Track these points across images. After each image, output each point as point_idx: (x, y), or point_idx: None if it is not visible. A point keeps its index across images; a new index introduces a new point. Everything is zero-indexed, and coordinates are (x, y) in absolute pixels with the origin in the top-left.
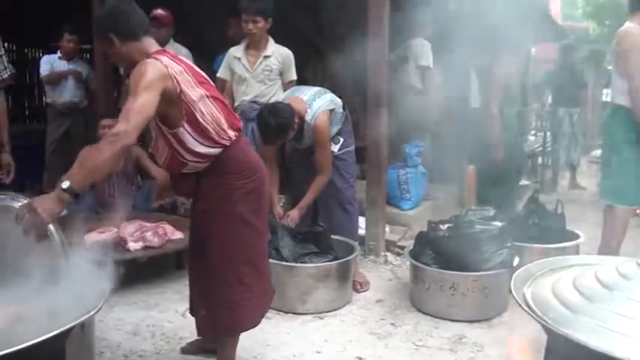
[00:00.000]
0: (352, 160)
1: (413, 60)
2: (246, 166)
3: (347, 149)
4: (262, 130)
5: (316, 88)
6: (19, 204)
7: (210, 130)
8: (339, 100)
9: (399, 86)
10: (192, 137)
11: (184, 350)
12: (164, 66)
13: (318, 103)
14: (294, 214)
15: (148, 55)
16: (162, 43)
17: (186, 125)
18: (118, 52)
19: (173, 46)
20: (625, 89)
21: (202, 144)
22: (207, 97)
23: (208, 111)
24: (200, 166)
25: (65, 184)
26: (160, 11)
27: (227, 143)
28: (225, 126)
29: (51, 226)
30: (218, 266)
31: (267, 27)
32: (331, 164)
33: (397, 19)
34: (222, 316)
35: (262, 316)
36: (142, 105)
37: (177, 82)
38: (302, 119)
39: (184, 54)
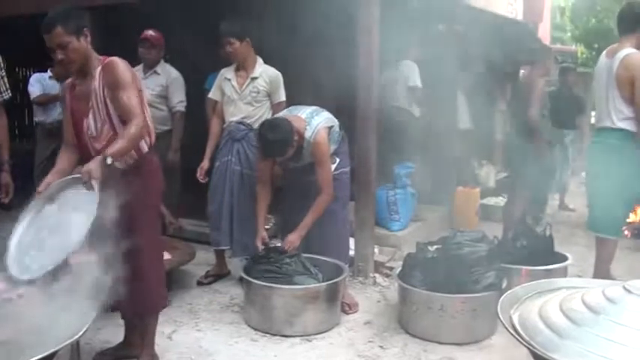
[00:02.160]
0: (347, 181)
1: (402, 81)
2: (158, 167)
3: (342, 169)
4: (261, 145)
5: (313, 107)
6: None
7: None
8: (336, 120)
9: (389, 108)
10: None
11: None
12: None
13: (317, 120)
14: (294, 238)
15: (105, 58)
16: (153, 64)
17: None
18: (84, 48)
19: (163, 67)
20: (631, 115)
21: None
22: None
23: (147, 109)
24: (129, 161)
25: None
26: (151, 32)
27: (149, 142)
28: (151, 129)
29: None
30: (143, 254)
31: (245, 48)
32: (332, 183)
33: (385, 41)
34: (147, 297)
35: None
36: (139, 101)
37: (139, 82)
38: (301, 137)
39: (175, 75)
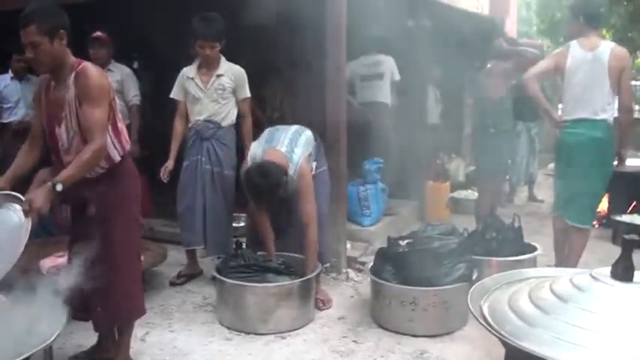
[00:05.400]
0: (327, 178)
1: (388, 76)
2: (134, 172)
3: (322, 169)
4: (253, 192)
5: (290, 133)
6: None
7: (120, 133)
8: (311, 135)
9: (372, 103)
10: (110, 138)
11: None
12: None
13: (297, 155)
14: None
15: (79, 62)
16: (104, 63)
17: (109, 127)
18: (57, 51)
19: (115, 65)
20: (611, 105)
21: (114, 145)
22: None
23: (119, 118)
24: (99, 170)
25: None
26: (99, 33)
27: (127, 149)
28: (125, 134)
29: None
30: (120, 263)
31: (220, 47)
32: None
33: (355, 34)
34: (124, 306)
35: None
36: (105, 116)
37: (113, 90)
38: (285, 174)
39: (127, 71)
